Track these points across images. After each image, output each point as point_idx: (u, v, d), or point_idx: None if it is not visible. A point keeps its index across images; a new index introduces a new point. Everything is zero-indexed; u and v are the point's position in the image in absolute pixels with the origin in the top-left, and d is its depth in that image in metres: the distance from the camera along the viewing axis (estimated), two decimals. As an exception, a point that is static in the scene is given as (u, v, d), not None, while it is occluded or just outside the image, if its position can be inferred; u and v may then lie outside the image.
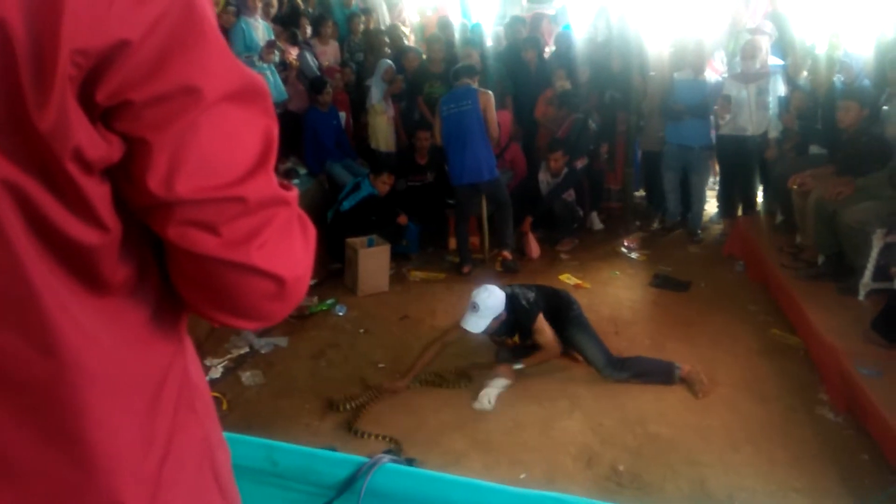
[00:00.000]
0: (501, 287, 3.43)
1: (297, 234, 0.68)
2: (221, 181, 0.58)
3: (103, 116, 0.53)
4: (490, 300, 3.28)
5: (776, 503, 2.58)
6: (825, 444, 2.93)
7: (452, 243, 5.47)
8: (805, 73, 5.22)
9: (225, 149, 0.58)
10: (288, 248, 0.66)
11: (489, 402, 3.24)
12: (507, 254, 5.05)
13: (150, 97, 0.53)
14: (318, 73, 6.16)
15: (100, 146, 0.53)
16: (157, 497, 0.67)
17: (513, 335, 3.50)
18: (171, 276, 0.65)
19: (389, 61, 6.08)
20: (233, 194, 0.59)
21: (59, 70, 0.49)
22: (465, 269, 4.95)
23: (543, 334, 3.42)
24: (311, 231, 0.72)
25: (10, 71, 0.49)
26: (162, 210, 0.58)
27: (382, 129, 6.07)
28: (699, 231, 5.70)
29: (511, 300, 3.38)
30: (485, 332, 3.34)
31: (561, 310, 3.52)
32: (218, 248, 0.60)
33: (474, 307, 3.27)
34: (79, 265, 0.58)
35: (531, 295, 3.48)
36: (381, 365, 3.66)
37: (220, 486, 0.79)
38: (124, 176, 0.57)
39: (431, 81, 6.05)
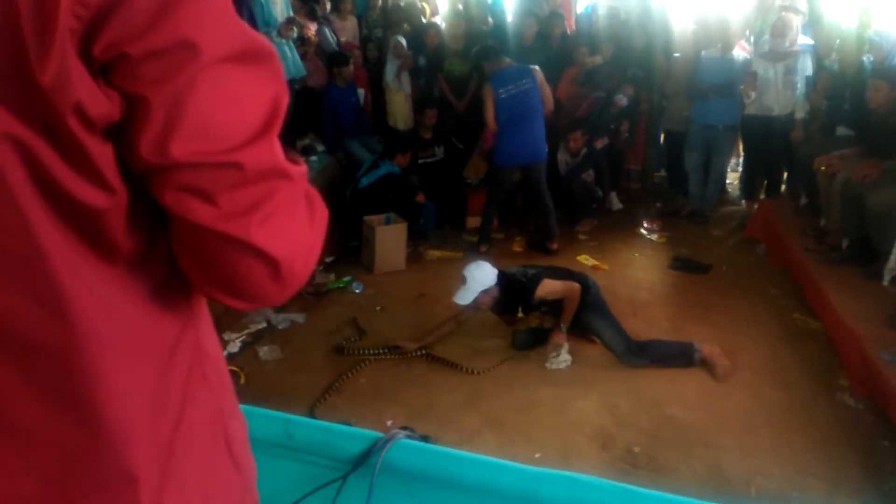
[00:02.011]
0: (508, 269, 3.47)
1: (302, 213, 0.66)
2: (219, 146, 0.56)
3: (103, 72, 0.52)
4: (477, 273, 3.35)
5: (794, 488, 2.56)
6: (845, 429, 2.90)
7: (470, 222, 5.45)
8: (833, 53, 5.09)
9: (224, 112, 0.56)
10: (291, 228, 0.64)
11: (565, 362, 3.36)
12: (554, 245, 4.95)
13: (146, 51, 0.52)
14: (337, 48, 6.12)
15: (101, 102, 0.52)
16: (169, 465, 0.67)
17: (515, 311, 3.50)
18: (172, 247, 0.64)
19: (400, 38, 6.02)
20: (230, 160, 0.56)
21: (60, 21, 0.48)
22: (483, 248, 4.90)
23: (556, 290, 3.38)
24: (321, 212, 0.69)
25: (12, 23, 0.48)
26: (159, 175, 0.56)
27: (399, 107, 6.03)
28: (708, 213, 5.61)
29: (506, 278, 3.40)
30: (474, 305, 3.39)
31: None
32: (214, 219, 0.58)
33: (462, 280, 3.37)
34: (87, 228, 0.57)
35: (532, 271, 3.46)
36: (387, 346, 3.66)
37: (234, 457, 0.78)
38: (124, 137, 0.55)
39: (451, 58, 5.98)
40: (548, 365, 3.37)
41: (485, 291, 3.35)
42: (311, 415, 2.97)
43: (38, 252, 0.54)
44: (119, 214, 0.58)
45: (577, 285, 3.38)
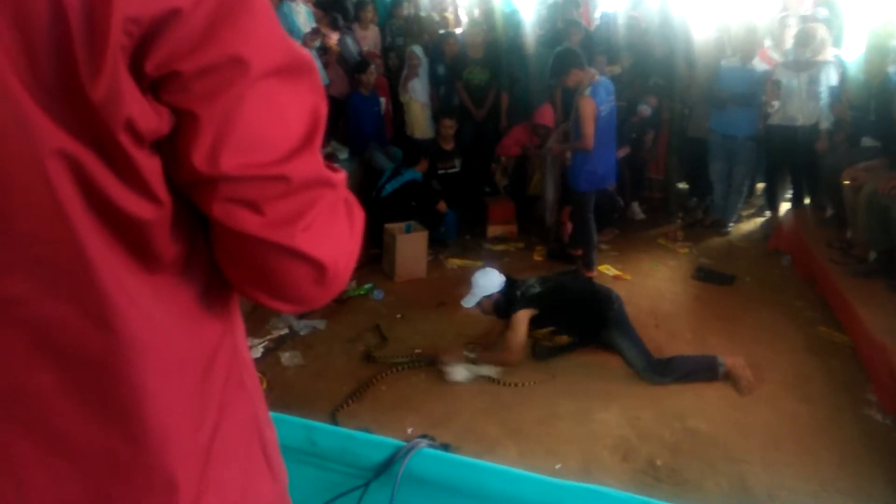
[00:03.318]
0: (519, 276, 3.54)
1: (342, 218, 0.67)
2: (266, 158, 0.57)
3: (152, 88, 0.53)
4: (482, 280, 3.46)
5: (818, 503, 2.52)
6: (872, 444, 2.85)
7: (491, 231, 5.46)
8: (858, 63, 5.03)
9: (271, 125, 0.57)
10: (333, 233, 0.65)
11: (457, 376, 3.35)
12: (592, 274, 4.63)
13: (197, 68, 0.53)
14: (359, 57, 6.17)
15: (150, 118, 0.53)
16: (207, 471, 0.68)
17: (500, 317, 3.54)
18: (215, 254, 0.65)
19: (416, 47, 6.04)
20: (277, 172, 0.58)
21: (112, 38, 0.49)
22: (592, 274, 4.55)
23: (512, 333, 3.38)
24: (359, 216, 0.71)
25: (63, 40, 0.49)
26: (207, 186, 0.57)
27: (416, 116, 6.05)
28: (730, 224, 5.56)
29: (509, 286, 3.45)
30: (478, 307, 3.49)
31: (601, 309, 3.40)
32: (261, 227, 0.59)
33: (471, 285, 3.49)
34: (133, 239, 0.58)
35: (534, 290, 3.44)
36: (417, 350, 3.67)
37: (269, 463, 0.79)
38: (171, 150, 0.56)
39: (471, 67, 6.00)
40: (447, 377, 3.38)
41: (487, 296, 3.44)
42: (333, 420, 2.99)
43: (84, 263, 0.56)
44: (164, 225, 0.60)
45: (513, 357, 3.39)
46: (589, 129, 4.21)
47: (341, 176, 0.66)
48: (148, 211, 0.57)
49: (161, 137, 0.55)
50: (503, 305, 3.46)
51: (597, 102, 4.23)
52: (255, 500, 0.77)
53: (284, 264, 0.63)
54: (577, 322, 3.49)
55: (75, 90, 0.50)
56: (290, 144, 0.59)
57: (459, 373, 3.35)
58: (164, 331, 0.63)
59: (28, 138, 0.51)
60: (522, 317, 3.36)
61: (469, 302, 3.49)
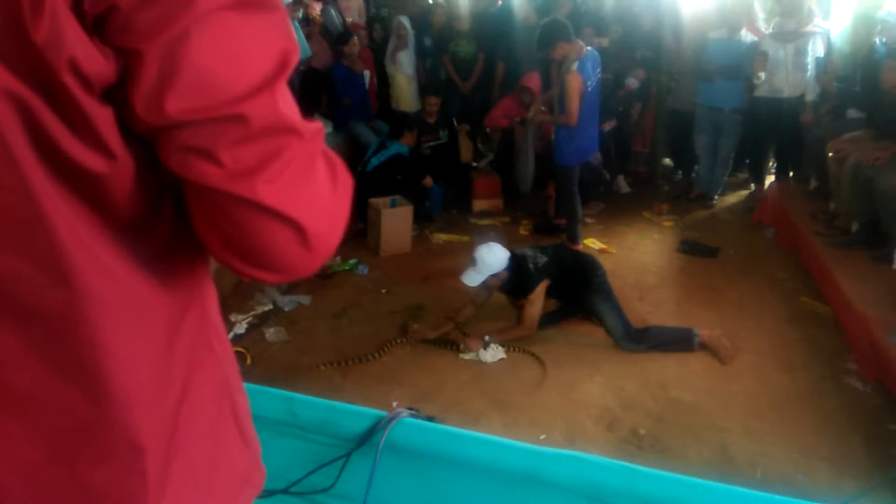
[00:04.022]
0: (517, 250, 3.45)
1: (322, 175, 0.62)
2: (218, 99, 0.53)
3: (97, 27, 0.51)
4: (489, 257, 3.32)
5: (799, 471, 2.55)
6: (852, 413, 2.88)
7: (476, 205, 5.43)
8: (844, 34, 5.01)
9: (223, 63, 0.53)
10: (310, 191, 0.60)
11: (489, 358, 3.29)
12: (578, 247, 4.60)
13: (136, 0, 0.50)
14: (342, 29, 6.08)
15: (97, 60, 0.50)
16: (176, 436, 0.66)
17: (521, 296, 3.47)
18: (191, 218, 0.62)
19: (404, 18, 5.95)
20: (231, 112, 0.54)
21: None
22: (578, 247, 4.52)
23: (532, 307, 3.38)
24: (345, 179, 0.66)
25: None
26: (162, 136, 0.54)
27: (402, 89, 5.98)
28: (716, 196, 5.57)
29: (517, 261, 3.36)
30: (483, 286, 3.39)
31: (585, 275, 3.44)
32: (221, 178, 0.55)
33: (473, 262, 3.35)
34: (89, 192, 0.55)
35: (542, 259, 3.41)
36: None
37: (241, 429, 0.78)
38: (123, 99, 0.53)
39: (457, 39, 5.93)
40: (462, 356, 3.34)
41: (494, 276, 3.34)
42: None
43: (38, 213, 0.53)
44: (121, 180, 0.57)
45: (534, 329, 3.41)
46: (574, 105, 4.16)
47: (314, 126, 0.61)
48: (100, 164, 0.54)
49: (112, 83, 0.52)
50: (514, 281, 3.38)
51: (583, 77, 4.18)
52: (226, 466, 0.76)
53: (255, 223, 0.58)
54: (566, 289, 3.48)
55: (19, 30, 0.48)
56: (248, 84, 0.54)
57: (490, 354, 3.31)
58: (128, 289, 0.60)
59: None
60: (541, 289, 3.36)
61: (473, 280, 3.34)
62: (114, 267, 0.59)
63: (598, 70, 4.38)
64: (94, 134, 0.53)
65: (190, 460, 0.69)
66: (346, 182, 0.66)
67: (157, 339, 0.65)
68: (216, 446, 0.74)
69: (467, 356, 3.32)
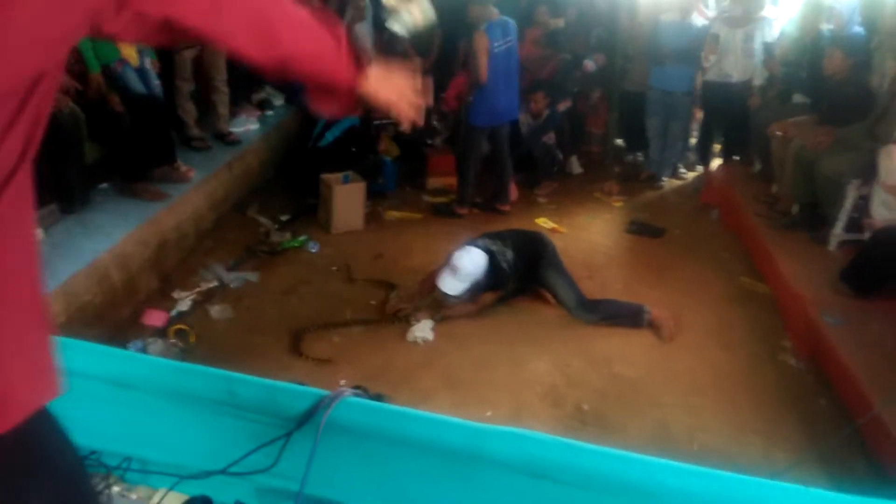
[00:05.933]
0: (481, 243, 3.44)
1: None
2: None
3: None
4: (469, 265, 3.30)
5: (734, 444, 2.64)
6: (786, 388, 3.00)
7: (431, 182, 5.40)
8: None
9: None
10: None
11: (421, 339, 3.28)
12: (506, 207, 4.94)
13: None
14: None
15: None
16: None
17: (496, 290, 3.50)
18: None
19: None
20: None
21: None
22: (463, 211, 4.84)
23: (493, 296, 3.48)
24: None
25: None
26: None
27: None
28: (664, 179, 5.68)
29: (491, 261, 3.38)
30: (467, 298, 3.37)
31: (538, 252, 3.55)
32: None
33: (454, 270, 3.30)
34: None
35: (510, 255, 3.45)
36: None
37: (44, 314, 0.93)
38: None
39: (413, 14, 5.83)
40: (409, 338, 3.29)
41: (476, 283, 3.32)
42: (299, 340, 3.14)
43: None
44: None
45: (480, 309, 3.46)
46: (481, 62, 4.39)
47: None
48: None
49: None
50: (489, 281, 3.39)
51: (490, 38, 4.38)
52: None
53: None
54: (520, 266, 3.51)
55: None
56: None
57: (423, 330, 3.30)
58: None
59: None
60: (510, 285, 3.46)
61: (455, 289, 3.29)
62: None
63: (510, 38, 4.53)
64: None
65: None
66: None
67: None
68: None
69: (409, 338, 3.30)
